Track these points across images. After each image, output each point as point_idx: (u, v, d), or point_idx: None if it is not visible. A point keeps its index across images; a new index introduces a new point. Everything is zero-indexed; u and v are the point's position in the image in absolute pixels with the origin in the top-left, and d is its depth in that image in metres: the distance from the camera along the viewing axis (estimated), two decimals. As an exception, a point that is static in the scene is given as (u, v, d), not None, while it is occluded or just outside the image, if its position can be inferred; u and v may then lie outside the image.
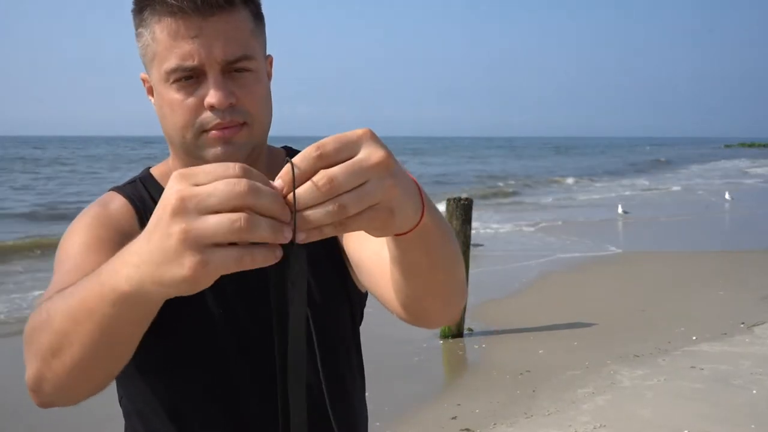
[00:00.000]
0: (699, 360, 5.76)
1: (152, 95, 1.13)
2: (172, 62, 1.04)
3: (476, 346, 6.42)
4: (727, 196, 19.78)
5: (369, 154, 0.68)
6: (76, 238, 1.11)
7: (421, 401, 5.17)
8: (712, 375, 5.39)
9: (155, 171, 1.25)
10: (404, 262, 0.89)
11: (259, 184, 0.65)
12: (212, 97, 1.04)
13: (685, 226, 15.04)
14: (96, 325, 0.79)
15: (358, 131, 0.69)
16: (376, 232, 0.74)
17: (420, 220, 0.78)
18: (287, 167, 0.67)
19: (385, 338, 5.82)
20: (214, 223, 0.63)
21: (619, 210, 16.18)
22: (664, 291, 8.37)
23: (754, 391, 5.02)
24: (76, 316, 0.81)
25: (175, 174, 0.67)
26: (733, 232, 14.86)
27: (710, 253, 10.84)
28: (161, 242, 0.66)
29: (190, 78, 1.05)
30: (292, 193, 0.66)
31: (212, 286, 0.69)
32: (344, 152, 0.68)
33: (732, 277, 9.01)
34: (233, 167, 0.65)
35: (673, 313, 7.31)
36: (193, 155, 1.11)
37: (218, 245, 0.64)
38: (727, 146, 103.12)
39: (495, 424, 4.63)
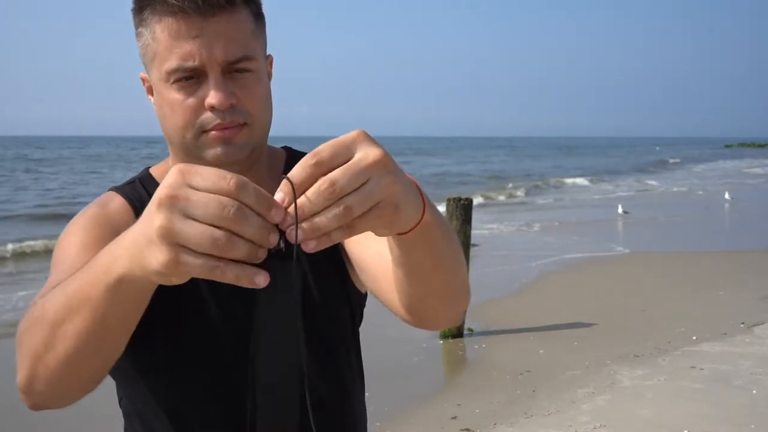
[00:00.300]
0: (699, 360, 5.76)
1: (152, 95, 1.13)
2: (172, 62, 1.03)
3: (476, 346, 6.42)
4: (727, 196, 19.77)
5: (365, 154, 0.69)
6: (73, 239, 1.11)
7: (421, 401, 5.17)
8: (712, 375, 5.39)
9: (155, 171, 1.24)
10: (407, 262, 0.89)
11: (248, 212, 0.65)
12: (213, 97, 1.03)
13: (685, 226, 15.05)
14: (90, 312, 0.80)
15: (352, 134, 0.70)
16: (382, 230, 0.75)
17: (421, 218, 0.79)
18: (286, 180, 0.68)
19: (385, 338, 5.82)
20: (196, 233, 0.65)
21: (619, 210, 16.18)
22: (664, 291, 8.37)
23: (754, 391, 5.02)
24: (71, 305, 0.81)
25: (175, 167, 0.68)
26: (733, 232, 14.86)
27: (710, 253, 10.84)
28: (144, 228, 0.69)
29: (190, 78, 1.04)
30: (294, 204, 0.67)
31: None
32: (341, 156, 0.68)
33: (732, 277, 9.01)
34: (229, 181, 0.66)
35: (673, 313, 7.31)
36: (192, 155, 1.10)
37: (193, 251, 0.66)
38: (727, 146, 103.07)
39: (495, 424, 4.63)
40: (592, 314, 7.25)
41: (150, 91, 1.13)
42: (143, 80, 1.15)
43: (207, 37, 1.02)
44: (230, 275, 0.66)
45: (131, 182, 1.23)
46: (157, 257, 0.67)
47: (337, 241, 0.69)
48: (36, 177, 29.99)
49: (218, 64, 1.03)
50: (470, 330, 6.74)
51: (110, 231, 1.10)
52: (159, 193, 0.66)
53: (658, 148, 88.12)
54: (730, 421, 4.52)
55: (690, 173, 36.68)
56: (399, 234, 0.80)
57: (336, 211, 0.66)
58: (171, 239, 0.66)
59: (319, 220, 0.67)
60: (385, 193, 0.69)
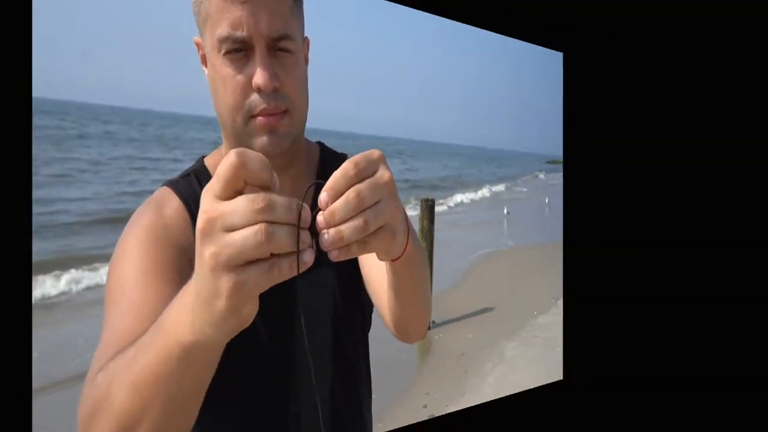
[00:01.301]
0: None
1: (206, 65, 1.07)
2: (223, 29, 0.99)
3: (437, 336, 6.43)
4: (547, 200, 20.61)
5: (382, 174, 0.70)
6: (129, 263, 0.98)
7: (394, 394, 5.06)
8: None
9: (209, 161, 1.17)
10: (394, 285, 0.96)
11: (276, 198, 0.63)
12: (259, 76, 0.99)
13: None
14: (163, 391, 0.74)
15: (376, 152, 0.71)
16: (382, 255, 0.80)
17: (406, 246, 0.83)
18: (333, 179, 0.68)
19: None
20: (239, 237, 0.62)
21: (505, 211, 17.45)
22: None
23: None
24: (140, 388, 0.75)
25: (202, 193, 0.66)
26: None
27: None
28: (200, 271, 0.65)
29: (239, 51, 1.00)
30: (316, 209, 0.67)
31: None
32: (369, 171, 0.69)
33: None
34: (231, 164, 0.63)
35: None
36: (242, 142, 1.04)
37: (248, 263, 0.64)
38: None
39: (447, 405, 4.72)
40: (491, 301, 7.49)
41: (204, 60, 1.07)
42: (198, 46, 1.09)
43: (253, 5, 0.99)
44: (285, 266, 0.64)
45: (186, 175, 1.14)
46: (221, 293, 0.64)
47: (354, 256, 0.69)
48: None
49: (263, 38, 0.99)
50: (433, 322, 6.79)
51: (169, 249, 1.01)
52: (198, 226, 0.64)
53: None
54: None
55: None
56: (393, 260, 0.85)
57: (357, 223, 0.67)
58: (224, 263, 0.63)
59: (344, 228, 0.67)
60: (390, 216, 0.70)
